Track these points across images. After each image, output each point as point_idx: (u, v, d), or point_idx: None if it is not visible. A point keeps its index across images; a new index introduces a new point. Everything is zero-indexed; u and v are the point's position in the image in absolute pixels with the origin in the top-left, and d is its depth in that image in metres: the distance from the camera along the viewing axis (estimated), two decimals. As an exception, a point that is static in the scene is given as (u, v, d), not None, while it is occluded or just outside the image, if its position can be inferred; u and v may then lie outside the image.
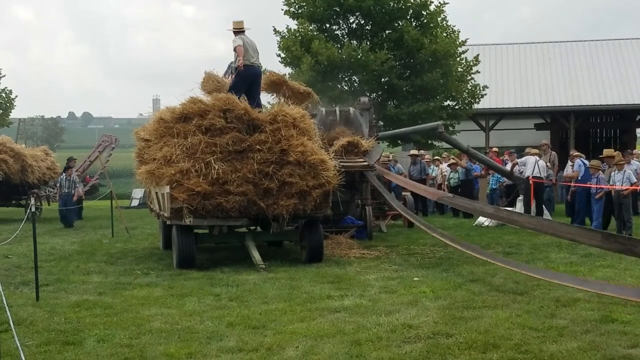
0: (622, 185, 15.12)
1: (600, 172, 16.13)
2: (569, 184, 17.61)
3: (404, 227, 17.34)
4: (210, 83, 13.33)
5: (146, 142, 11.98)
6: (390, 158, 20.89)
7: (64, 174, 20.19)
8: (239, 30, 12.57)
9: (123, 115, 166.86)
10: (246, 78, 12.39)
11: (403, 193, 18.59)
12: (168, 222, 11.54)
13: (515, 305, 7.95)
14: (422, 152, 23.43)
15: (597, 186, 15.68)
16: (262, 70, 13.23)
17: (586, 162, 17.64)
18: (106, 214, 20.17)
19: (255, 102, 12.30)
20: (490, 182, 21.29)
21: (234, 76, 12.66)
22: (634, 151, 21.60)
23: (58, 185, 20.26)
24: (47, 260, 12.26)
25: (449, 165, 21.73)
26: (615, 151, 17.64)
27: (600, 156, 16.80)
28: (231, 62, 13.30)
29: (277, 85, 14.44)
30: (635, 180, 16.00)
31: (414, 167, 21.23)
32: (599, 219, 15.46)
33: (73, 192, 19.97)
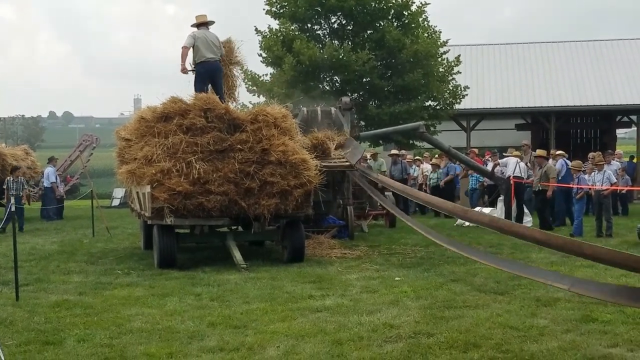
0: (602, 186, 15.29)
1: (582, 172, 16.31)
2: (549, 184, 17.73)
3: (386, 227, 17.38)
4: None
5: (127, 141, 11.93)
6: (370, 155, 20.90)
7: (10, 177, 18.93)
8: (200, 24, 12.63)
9: (104, 115, 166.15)
10: (204, 75, 12.54)
11: (386, 192, 18.61)
12: (149, 222, 11.49)
13: (496, 305, 8.00)
14: (403, 152, 23.47)
15: (578, 186, 15.85)
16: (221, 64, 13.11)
17: (568, 162, 17.81)
18: (87, 214, 20.06)
19: (220, 97, 12.27)
20: (470, 182, 21.41)
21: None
22: (616, 152, 21.84)
23: (5, 187, 19.00)
24: (27, 260, 12.16)
25: (431, 164, 21.83)
26: (596, 152, 17.89)
27: (536, 155, 16.98)
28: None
29: None
30: (615, 180, 16.22)
31: (395, 167, 21.22)
32: (579, 218, 15.60)
33: (21, 194, 18.92)
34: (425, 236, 11.38)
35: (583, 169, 16.73)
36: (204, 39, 12.51)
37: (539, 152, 17.15)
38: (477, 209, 18.34)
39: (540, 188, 16.28)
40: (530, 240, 7.87)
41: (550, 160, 18.04)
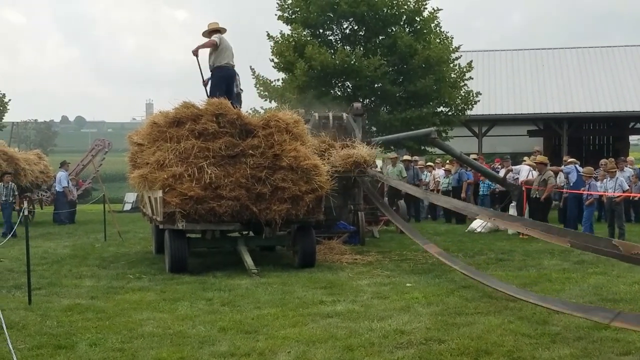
0: (614, 192, 15.22)
1: (593, 179, 16.25)
2: (562, 190, 17.67)
3: (397, 232, 17.33)
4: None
5: (139, 146, 11.99)
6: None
7: (1, 183, 18.60)
8: (214, 31, 12.63)
9: (116, 120, 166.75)
10: (221, 80, 12.48)
11: (396, 199, 18.62)
12: (161, 227, 11.51)
13: (508, 312, 7.96)
14: (415, 157, 23.46)
15: (588, 192, 15.80)
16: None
17: (580, 168, 17.74)
18: (99, 218, 20.12)
19: (232, 102, 12.27)
20: (481, 189, 21.35)
21: (210, 79, 12.67)
22: (628, 158, 21.71)
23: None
24: (39, 264, 12.22)
25: (444, 170, 21.79)
26: (609, 158, 17.84)
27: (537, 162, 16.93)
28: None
29: None
30: (628, 187, 16.15)
31: (406, 172, 21.17)
32: (587, 223, 15.58)
33: (12, 199, 18.67)
34: (425, 248, 11.64)
35: (594, 175, 16.67)
36: (226, 45, 12.55)
37: (540, 158, 17.13)
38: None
39: (538, 195, 16.24)
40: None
41: (563, 167, 18.00)
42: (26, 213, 9.35)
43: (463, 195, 20.39)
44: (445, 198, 14.24)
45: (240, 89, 13.74)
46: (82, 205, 25.81)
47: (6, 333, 5.37)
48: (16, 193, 19.32)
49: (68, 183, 23.20)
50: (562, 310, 7.37)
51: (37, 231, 18.55)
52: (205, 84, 12.93)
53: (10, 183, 18.76)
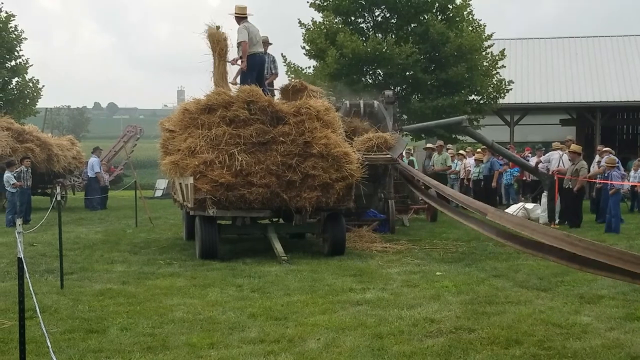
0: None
1: (615, 169, 16.06)
2: (594, 180, 17.43)
3: (427, 221, 17.27)
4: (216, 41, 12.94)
5: (171, 132, 12.04)
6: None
7: (22, 166, 17.76)
8: (242, 16, 12.45)
9: (148, 106, 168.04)
10: (252, 68, 12.43)
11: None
12: (191, 213, 11.59)
13: (539, 301, 7.89)
14: (439, 142, 22.89)
15: (618, 182, 15.60)
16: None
17: (619, 172, 17.44)
18: (130, 204, 20.33)
19: (263, 89, 12.21)
20: (505, 178, 21.11)
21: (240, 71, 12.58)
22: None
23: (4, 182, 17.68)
24: (71, 249, 12.38)
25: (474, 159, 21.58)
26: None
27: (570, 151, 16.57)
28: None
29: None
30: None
31: (429, 160, 20.82)
32: (614, 213, 15.36)
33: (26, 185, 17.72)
34: (472, 228, 10.99)
35: (617, 164, 16.46)
36: (254, 32, 12.49)
37: (574, 147, 16.84)
38: (520, 204, 18.14)
39: (571, 185, 15.99)
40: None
41: (597, 157, 17.75)
42: (59, 198, 9.46)
43: (494, 184, 20.20)
44: (451, 191, 13.71)
45: (276, 71, 13.85)
46: (114, 191, 26.06)
47: (39, 317, 5.43)
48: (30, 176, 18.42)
49: (100, 169, 23.44)
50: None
51: (69, 217, 18.77)
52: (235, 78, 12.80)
53: (23, 170, 17.75)
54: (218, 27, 12.70)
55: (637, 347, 6.10)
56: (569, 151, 16.73)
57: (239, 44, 12.26)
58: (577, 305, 7.69)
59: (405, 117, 24.18)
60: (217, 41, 12.44)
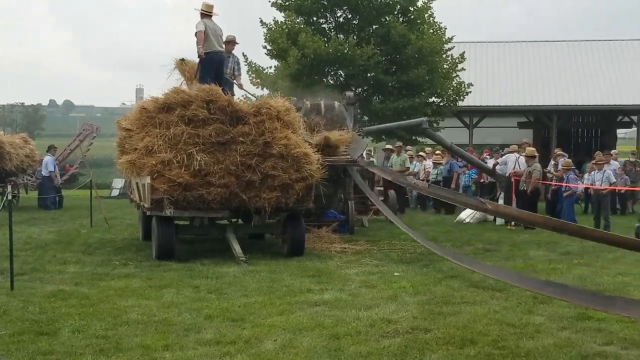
0: (601, 185, 15.31)
1: (571, 172, 16.37)
2: (548, 182, 17.71)
3: (386, 222, 17.31)
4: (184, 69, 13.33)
5: (128, 131, 11.86)
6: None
7: None
8: (206, 14, 12.54)
9: (105, 104, 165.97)
10: (210, 66, 12.41)
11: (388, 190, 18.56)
12: (148, 213, 11.43)
13: (494, 302, 7.96)
14: (398, 143, 23.07)
15: (574, 185, 15.91)
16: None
17: (574, 175, 17.79)
18: (85, 204, 19.95)
19: (223, 88, 12.19)
20: (463, 179, 21.38)
21: (198, 65, 12.63)
22: (612, 151, 21.82)
23: None
24: (23, 249, 12.11)
25: (433, 161, 21.75)
26: (596, 151, 17.93)
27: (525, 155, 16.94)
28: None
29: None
30: (615, 180, 16.24)
31: (388, 162, 21.00)
32: (567, 214, 15.71)
33: None
34: (414, 238, 11.72)
35: (572, 167, 16.83)
36: (213, 30, 12.48)
37: (528, 150, 17.14)
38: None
39: (526, 187, 16.29)
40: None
41: (552, 160, 18.01)
42: (10, 197, 9.24)
43: (453, 185, 20.40)
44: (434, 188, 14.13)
45: (239, 73, 13.85)
46: (69, 190, 25.61)
47: (-12, 318, 5.30)
48: None
49: (55, 168, 23.01)
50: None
51: (21, 216, 18.35)
52: (195, 75, 12.86)
53: None
54: (182, 59, 13.45)
55: (587, 346, 6.19)
56: (524, 154, 17.01)
57: (196, 34, 12.29)
58: (531, 305, 7.77)
59: (366, 118, 24.24)
60: (184, 70, 13.20)
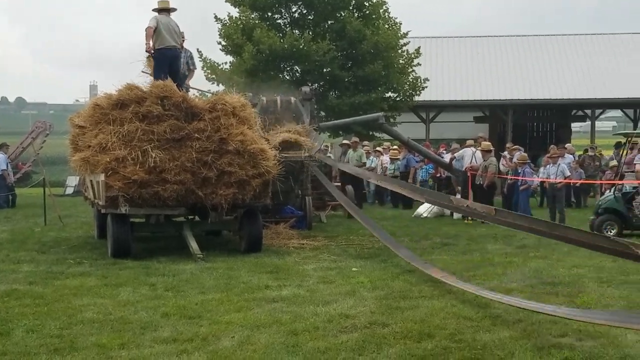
0: (556, 178, 15.57)
1: (527, 165, 16.64)
2: (504, 176, 17.95)
3: (344, 217, 17.37)
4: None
5: (81, 128, 11.69)
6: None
7: None
8: (162, 10, 12.45)
9: (58, 101, 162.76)
10: (163, 62, 12.32)
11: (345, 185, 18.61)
12: (103, 211, 11.29)
13: (451, 296, 8.04)
14: (354, 139, 23.17)
15: (530, 179, 16.17)
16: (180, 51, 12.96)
17: (530, 168, 18.08)
18: (39, 202, 19.61)
19: (178, 85, 12.10)
20: (420, 174, 21.55)
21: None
22: (567, 145, 22.21)
23: None
24: (-25, 249, 11.87)
25: (389, 157, 21.87)
26: (550, 145, 18.26)
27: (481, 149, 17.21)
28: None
29: None
30: (569, 174, 16.55)
31: (344, 157, 21.07)
32: (523, 207, 15.98)
33: None
34: (373, 233, 11.83)
35: (527, 161, 17.12)
36: (167, 25, 12.34)
37: (484, 145, 17.37)
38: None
39: (482, 181, 16.52)
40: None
41: (506, 153, 18.25)
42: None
43: (410, 180, 20.54)
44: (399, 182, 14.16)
45: (194, 67, 13.85)
46: (22, 188, 25.13)
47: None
48: None
49: (7, 166, 22.55)
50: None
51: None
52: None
53: None
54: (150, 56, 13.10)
55: (543, 338, 6.29)
56: (479, 149, 17.22)
57: (146, 30, 12.19)
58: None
59: (323, 113, 24.24)
60: (152, 66, 13.02)
